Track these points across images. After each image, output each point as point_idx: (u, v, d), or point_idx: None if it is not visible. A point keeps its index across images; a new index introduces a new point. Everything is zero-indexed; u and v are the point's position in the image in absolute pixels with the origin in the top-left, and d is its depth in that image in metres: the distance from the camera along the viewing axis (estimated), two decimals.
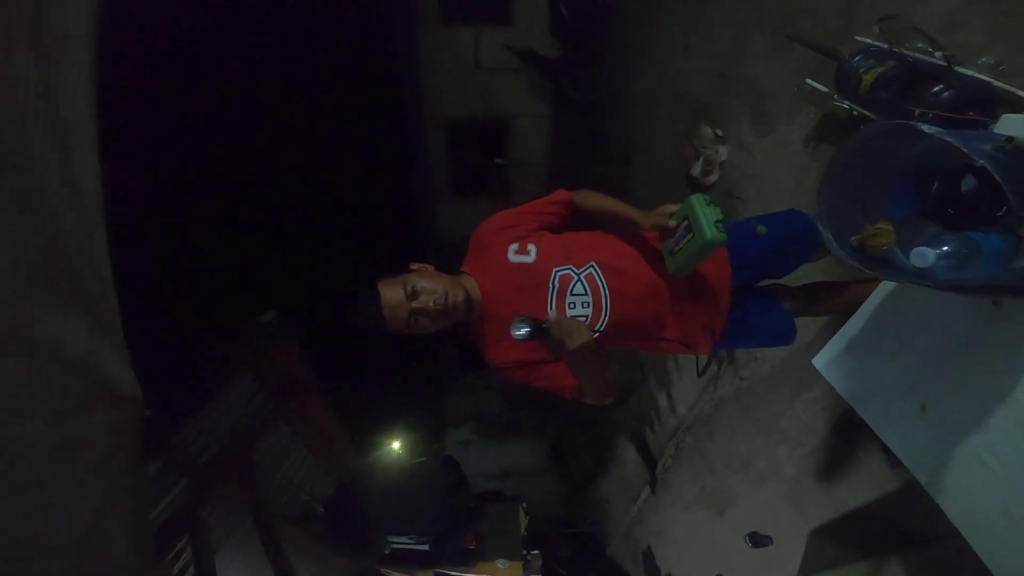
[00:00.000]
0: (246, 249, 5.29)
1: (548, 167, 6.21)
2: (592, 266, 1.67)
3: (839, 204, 1.25)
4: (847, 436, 2.76)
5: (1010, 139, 0.95)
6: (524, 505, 5.27)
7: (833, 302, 2.05)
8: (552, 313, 1.64)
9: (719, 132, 3.70)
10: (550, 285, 1.65)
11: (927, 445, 1.48)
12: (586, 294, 1.66)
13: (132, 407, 1.35)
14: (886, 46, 2.26)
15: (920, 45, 2.18)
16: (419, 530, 4.10)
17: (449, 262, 1.77)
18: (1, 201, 0.94)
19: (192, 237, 4.89)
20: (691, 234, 1.55)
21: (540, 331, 1.47)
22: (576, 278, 1.66)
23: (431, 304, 1.58)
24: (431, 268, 1.69)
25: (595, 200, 1.77)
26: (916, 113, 1.99)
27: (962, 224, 1.23)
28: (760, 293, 1.96)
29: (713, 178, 3.74)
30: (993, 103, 1.96)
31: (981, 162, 0.92)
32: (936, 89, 1.95)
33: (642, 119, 4.97)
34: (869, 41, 2.38)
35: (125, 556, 1.35)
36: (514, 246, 1.68)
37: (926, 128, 0.96)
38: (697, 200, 1.56)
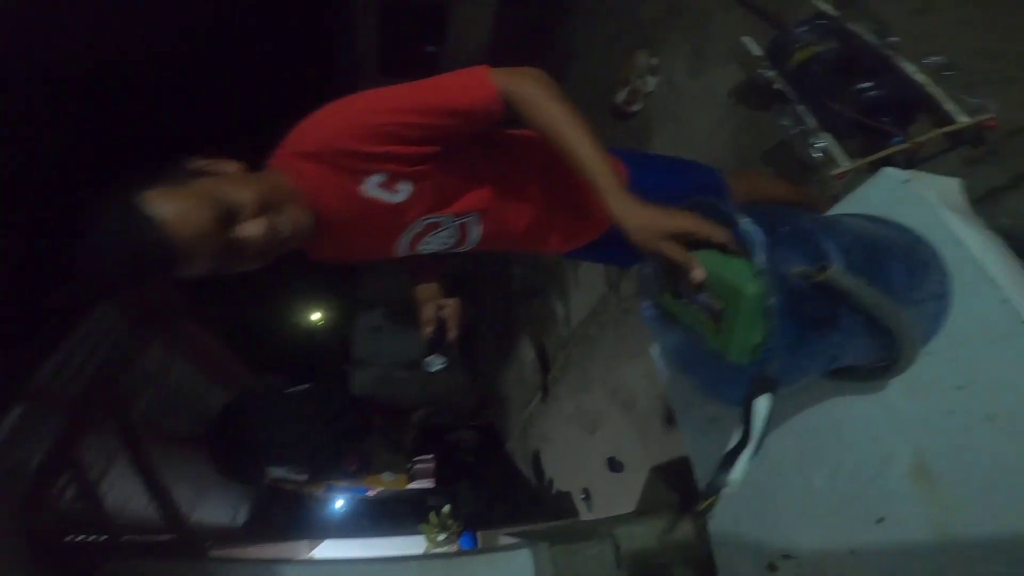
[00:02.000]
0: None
1: (488, 57, 5.91)
2: (474, 215, 1.27)
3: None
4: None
5: (823, 267, 0.80)
6: (413, 417, 5.35)
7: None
8: (397, 250, 1.30)
9: (654, 62, 3.56)
10: (407, 228, 1.23)
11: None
12: (451, 237, 1.31)
13: None
14: (836, 18, 2.10)
15: (873, 27, 2.02)
16: (297, 461, 4.04)
17: None
18: None
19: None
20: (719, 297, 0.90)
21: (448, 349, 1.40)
22: (446, 226, 1.27)
23: (265, 234, 1.03)
24: (241, 168, 1.09)
25: (544, 116, 1.08)
26: (831, 106, 1.88)
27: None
28: None
29: (636, 107, 3.63)
30: (914, 112, 1.85)
31: (773, 300, 0.78)
32: (863, 85, 1.82)
33: (589, 28, 4.72)
34: (824, 7, 2.21)
35: None
36: (377, 178, 1.10)
37: (744, 225, 0.81)
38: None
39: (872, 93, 1.81)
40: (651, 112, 3.58)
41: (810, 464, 1.18)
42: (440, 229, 1.28)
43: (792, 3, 2.54)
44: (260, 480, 4.22)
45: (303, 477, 4.20)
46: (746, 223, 0.82)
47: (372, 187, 1.11)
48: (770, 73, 2.30)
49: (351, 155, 1.07)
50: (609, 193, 1.00)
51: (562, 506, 4.61)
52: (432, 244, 1.32)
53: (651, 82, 3.51)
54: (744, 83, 2.73)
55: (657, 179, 1.46)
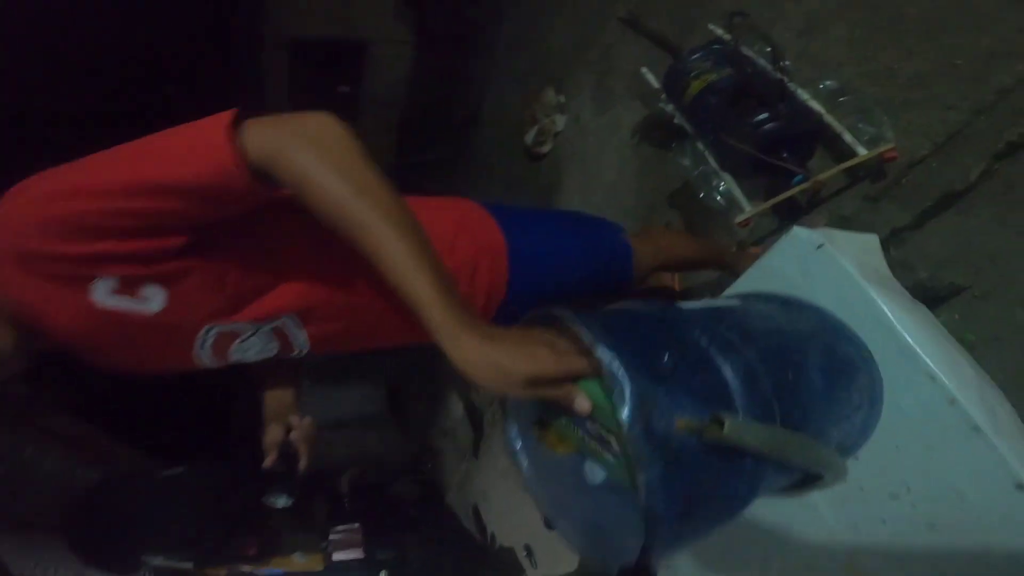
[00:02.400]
0: None
1: (405, 103, 5.64)
2: (287, 318, 0.95)
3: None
4: None
5: (718, 421, 0.60)
6: (343, 480, 4.96)
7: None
8: (201, 361, 0.95)
9: (562, 99, 3.31)
10: (192, 341, 0.90)
11: None
12: (266, 344, 0.98)
13: None
14: (729, 45, 1.92)
15: (767, 50, 1.85)
16: (177, 548, 3.66)
17: None
18: None
19: None
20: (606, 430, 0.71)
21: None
22: (248, 334, 0.94)
23: None
24: None
25: (322, 198, 0.73)
26: (729, 142, 1.68)
27: None
28: None
29: (545, 149, 3.37)
30: (813, 143, 1.69)
31: (644, 476, 0.58)
32: (760, 118, 1.61)
33: (501, 68, 4.50)
34: (719, 32, 2.05)
35: None
36: (105, 284, 0.76)
37: (605, 363, 0.60)
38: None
39: (769, 126, 1.61)
40: (561, 153, 3.33)
41: (744, 561, 1.13)
42: (242, 338, 0.94)
43: (693, 28, 2.32)
44: (136, 570, 3.70)
45: (187, 565, 3.74)
46: (607, 359, 0.60)
47: (105, 296, 0.77)
48: (668, 107, 2.10)
49: (53, 259, 0.73)
50: (436, 326, 0.69)
51: (506, 563, 4.33)
52: (247, 353, 0.98)
53: (560, 121, 3.26)
54: (646, 119, 2.48)
55: (545, 246, 1.21)
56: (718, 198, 1.78)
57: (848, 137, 1.57)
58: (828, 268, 0.94)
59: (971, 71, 1.46)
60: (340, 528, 4.95)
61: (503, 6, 4.59)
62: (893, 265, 1.10)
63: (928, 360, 0.86)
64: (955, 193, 1.39)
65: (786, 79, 1.72)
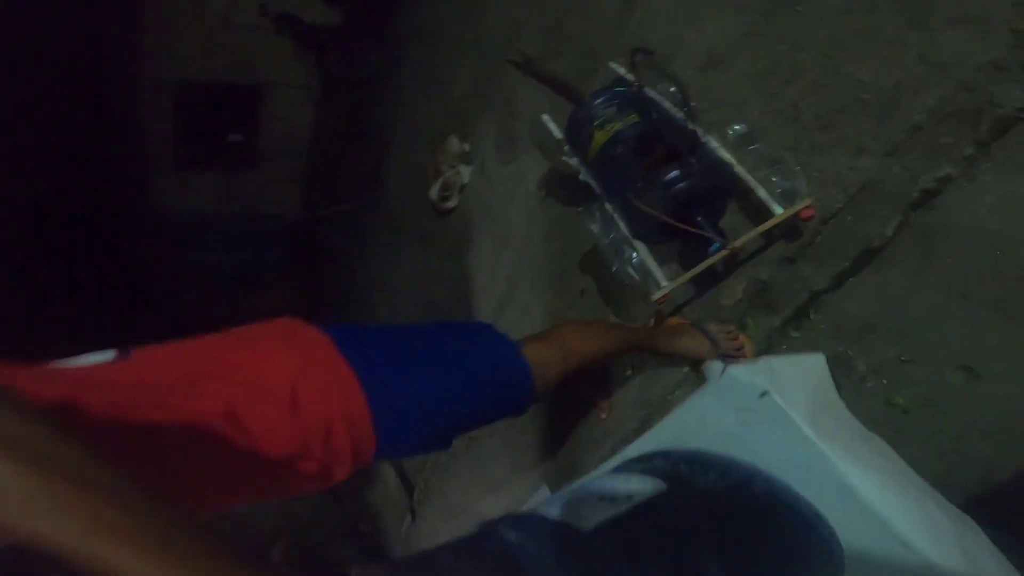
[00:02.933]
0: None
1: (307, 152, 5.32)
2: None
3: None
4: None
5: None
6: (274, 552, 4.54)
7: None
8: None
9: (467, 147, 3.03)
10: None
11: None
12: None
13: None
14: (632, 86, 1.70)
15: (671, 90, 1.66)
16: None
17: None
18: None
19: None
20: None
21: None
22: None
23: None
24: None
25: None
26: (639, 206, 1.47)
27: None
28: None
29: (451, 204, 3.07)
30: (727, 200, 1.51)
31: None
32: (670, 176, 1.41)
33: (405, 114, 4.21)
34: (621, 71, 1.84)
35: None
36: None
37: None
38: None
39: (681, 186, 1.41)
40: (469, 206, 3.04)
41: None
42: None
43: (595, 67, 2.09)
44: None
45: None
46: None
47: None
48: (572, 161, 1.87)
49: None
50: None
51: None
52: None
53: (465, 172, 2.98)
54: (551, 171, 2.22)
55: (420, 393, 1.00)
56: (631, 272, 1.59)
57: (762, 192, 1.41)
58: (773, 421, 0.83)
59: (879, 106, 1.36)
60: None
61: (406, 48, 4.34)
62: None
63: (899, 527, 0.76)
64: (873, 249, 1.30)
65: (697, 127, 1.54)
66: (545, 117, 2.03)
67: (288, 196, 5.54)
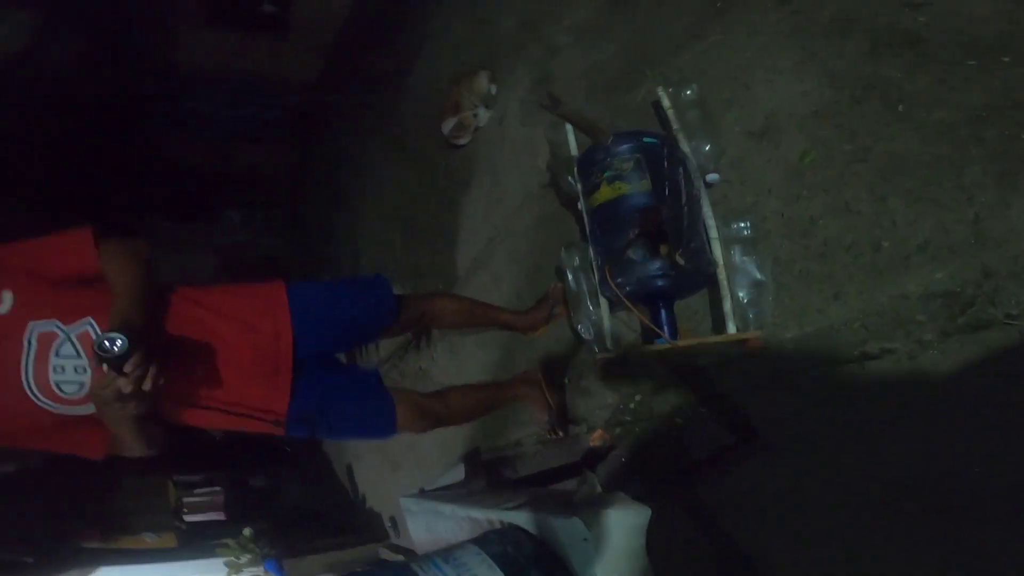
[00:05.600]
0: None
1: (336, 32, 5.10)
2: (89, 323, 1.26)
3: None
4: None
5: None
6: (174, 479, 4.81)
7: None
8: (28, 377, 1.22)
9: (494, 90, 2.92)
10: (24, 343, 1.21)
11: None
12: (79, 357, 1.25)
13: None
14: (661, 137, 1.61)
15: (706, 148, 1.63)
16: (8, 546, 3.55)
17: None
18: None
19: None
20: None
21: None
22: (62, 336, 1.25)
23: None
24: None
25: (127, 276, 1.29)
26: (613, 281, 1.50)
27: None
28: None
29: (462, 141, 3.01)
30: (694, 291, 1.59)
31: None
32: (652, 270, 1.46)
33: (440, 30, 3.89)
34: (665, 101, 1.74)
35: None
36: None
37: None
38: None
39: (658, 283, 1.46)
40: (475, 152, 2.98)
41: None
42: (58, 342, 1.23)
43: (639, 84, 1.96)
44: None
45: (28, 559, 3.63)
46: None
47: None
48: (576, 187, 1.80)
49: None
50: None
51: (371, 528, 4.36)
52: (65, 371, 1.23)
53: (483, 115, 2.89)
54: (550, 182, 2.20)
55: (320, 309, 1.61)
56: (587, 326, 1.68)
57: (727, 306, 1.46)
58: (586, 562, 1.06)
59: (887, 260, 1.29)
60: (198, 491, 4.89)
61: None
62: None
63: None
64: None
65: (704, 202, 1.53)
66: (568, 127, 1.95)
67: (306, 71, 5.42)
